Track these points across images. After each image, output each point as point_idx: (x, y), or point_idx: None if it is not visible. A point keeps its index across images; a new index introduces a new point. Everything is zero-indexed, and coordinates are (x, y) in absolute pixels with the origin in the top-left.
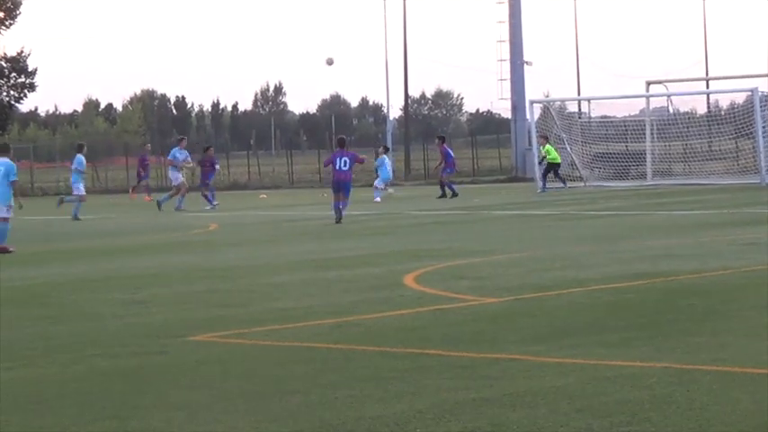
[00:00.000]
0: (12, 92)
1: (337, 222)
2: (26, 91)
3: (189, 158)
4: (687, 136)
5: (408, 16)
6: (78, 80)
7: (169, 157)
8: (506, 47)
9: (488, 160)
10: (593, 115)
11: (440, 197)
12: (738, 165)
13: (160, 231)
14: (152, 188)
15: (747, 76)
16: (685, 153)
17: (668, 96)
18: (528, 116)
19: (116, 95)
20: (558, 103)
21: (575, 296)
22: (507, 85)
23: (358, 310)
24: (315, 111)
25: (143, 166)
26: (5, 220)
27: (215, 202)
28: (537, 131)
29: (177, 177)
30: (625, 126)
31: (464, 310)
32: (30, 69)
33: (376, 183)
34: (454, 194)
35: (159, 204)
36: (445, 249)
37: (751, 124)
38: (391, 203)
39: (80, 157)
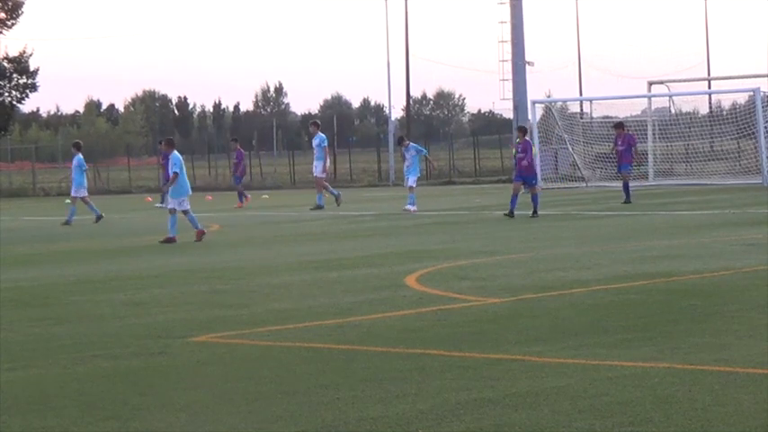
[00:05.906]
0: (14, 92)
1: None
2: (28, 91)
3: None
4: (689, 136)
5: (410, 17)
6: (80, 81)
7: None
8: (508, 47)
9: (490, 161)
10: (594, 115)
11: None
12: (740, 165)
13: (160, 232)
14: (153, 189)
15: (749, 77)
16: (687, 153)
17: (670, 97)
18: (530, 116)
19: (118, 96)
20: (560, 103)
21: (576, 297)
22: (509, 85)
23: (359, 311)
24: (317, 111)
25: None
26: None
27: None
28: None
29: None
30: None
31: (466, 310)
32: (31, 70)
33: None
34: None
35: None
36: (447, 250)
37: (753, 124)
38: (392, 203)
39: None
